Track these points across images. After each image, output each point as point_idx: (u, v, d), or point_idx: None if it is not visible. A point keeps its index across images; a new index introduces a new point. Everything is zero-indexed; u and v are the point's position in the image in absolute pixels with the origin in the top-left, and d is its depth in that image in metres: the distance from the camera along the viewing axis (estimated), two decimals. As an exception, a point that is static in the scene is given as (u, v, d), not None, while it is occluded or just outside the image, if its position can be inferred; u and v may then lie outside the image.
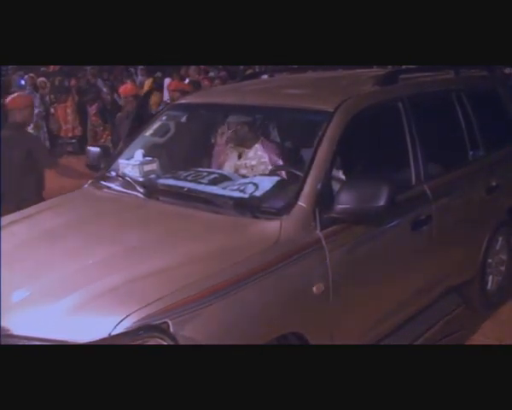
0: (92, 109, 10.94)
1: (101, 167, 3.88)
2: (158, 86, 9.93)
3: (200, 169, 3.66)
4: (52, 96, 12.01)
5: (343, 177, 3.32)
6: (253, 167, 3.86)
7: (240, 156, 3.99)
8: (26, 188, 4.76)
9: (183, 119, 4.30)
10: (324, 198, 2.99)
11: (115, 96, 10.65)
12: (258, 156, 3.89)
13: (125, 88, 7.60)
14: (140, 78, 13.49)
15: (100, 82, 13.23)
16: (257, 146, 3.92)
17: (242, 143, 3.93)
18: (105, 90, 11.97)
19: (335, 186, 3.11)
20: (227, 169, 3.89)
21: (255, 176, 3.43)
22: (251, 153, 3.93)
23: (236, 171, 3.86)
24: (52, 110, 11.64)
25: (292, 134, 4.05)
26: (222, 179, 3.44)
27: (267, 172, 3.67)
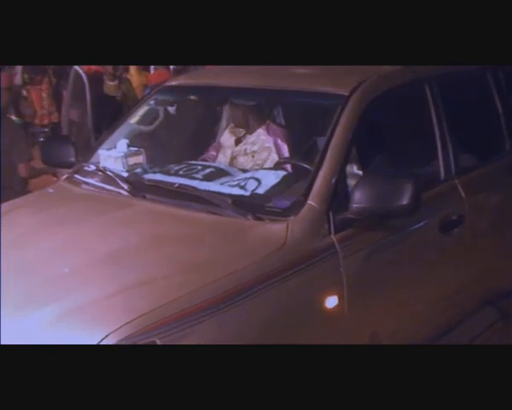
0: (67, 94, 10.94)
1: (63, 164, 3.90)
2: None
3: (194, 162, 3.67)
4: (26, 76, 11.99)
5: (360, 171, 3.32)
6: (253, 154, 3.87)
7: (238, 141, 3.98)
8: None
9: (174, 104, 4.31)
10: (338, 196, 3.00)
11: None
12: (261, 141, 3.90)
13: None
14: None
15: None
16: (260, 130, 3.93)
17: (244, 127, 3.93)
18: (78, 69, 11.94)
19: (351, 182, 3.12)
20: (222, 158, 3.88)
21: (257, 170, 3.43)
22: (252, 137, 3.93)
23: (234, 159, 3.86)
24: (24, 92, 11.62)
25: (300, 122, 4.06)
26: (219, 174, 3.45)
27: (270, 160, 3.67)
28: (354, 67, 3.74)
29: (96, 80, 7.25)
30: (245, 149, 3.93)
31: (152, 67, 10.25)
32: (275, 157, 3.82)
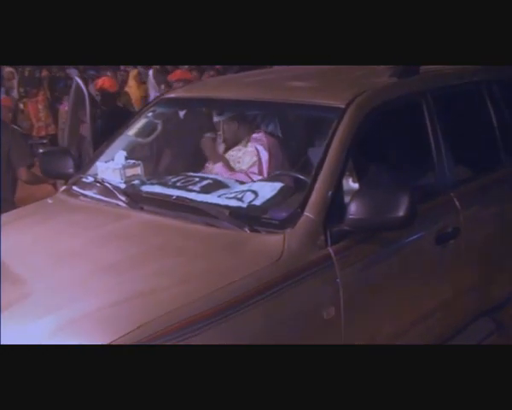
0: (63, 106, 10.94)
1: (61, 174, 3.90)
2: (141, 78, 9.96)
3: (192, 174, 3.67)
4: (21, 90, 11.99)
5: (356, 183, 3.33)
6: (239, 160, 3.86)
7: (227, 149, 4.00)
8: (5, 187, 4.91)
9: (172, 116, 4.31)
10: (335, 208, 2.99)
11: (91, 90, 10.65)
12: (247, 147, 3.91)
13: (103, 82, 7.62)
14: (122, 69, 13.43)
15: (74, 72, 13.19)
16: (248, 138, 3.94)
17: (234, 143, 3.94)
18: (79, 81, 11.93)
19: (348, 194, 3.11)
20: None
21: (254, 182, 3.43)
22: (240, 145, 3.93)
23: None
24: (21, 106, 11.63)
25: (297, 134, 4.07)
26: (216, 186, 3.45)
27: (252, 160, 3.66)
28: (351, 79, 3.77)
29: (109, 96, 7.27)
30: (232, 156, 3.93)
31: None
32: (254, 160, 3.84)
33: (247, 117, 4.01)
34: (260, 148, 3.87)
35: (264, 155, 3.83)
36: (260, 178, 3.72)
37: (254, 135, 3.94)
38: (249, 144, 3.92)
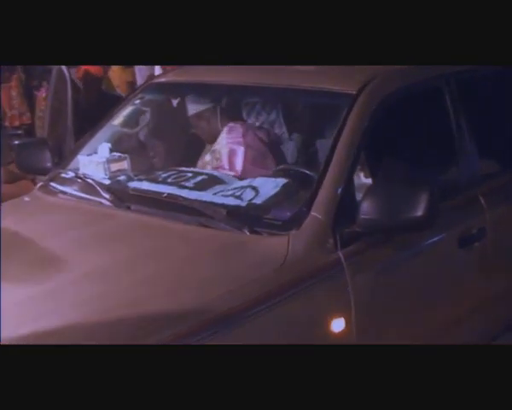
0: (41, 92, 10.90)
1: (38, 169, 3.90)
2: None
3: (184, 169, 3.67)
4: (-8, 74, 11.98)
5: (369, 179, 3.33)
6: (220, 156, 3.87)
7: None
8: None
9: (163, 103, 4.29)
10: (345, 207, 2.99)
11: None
12: (221, 140, 3.93)
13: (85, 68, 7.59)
14: None
15: None
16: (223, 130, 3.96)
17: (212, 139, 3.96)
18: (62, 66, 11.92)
19: (359, 191, 3.11)
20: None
21: (255, 178, 3.43)
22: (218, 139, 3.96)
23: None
24: (-8, 91, 11.61)
25: (303, 124, 4.05)
26: (212, 182, 3.45)
27: (227, 148, 3.69)
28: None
29: (94, 81, 7.26)
30: (214, 152, 3.93)
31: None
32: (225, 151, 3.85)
33: (220, 108, 4.02)
34: (232, 139, 3.88)
35: (239, 148, 3.83)
36: (233, 173, 3.73)
37: (228, 125, 3.94)
38: (223, 137, 3.93)
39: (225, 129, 3.89)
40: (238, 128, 3.90)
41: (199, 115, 4.05)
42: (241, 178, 3.54)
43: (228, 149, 3.80)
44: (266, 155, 3.83)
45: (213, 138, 3.93)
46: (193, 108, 4.05)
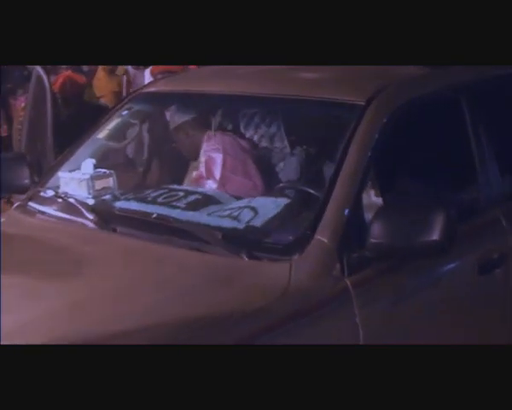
0: (19, 102, 10.88)
1: (15, 187, 3.89)
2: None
3: (176, 187, 3.67)
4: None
5: (380, 199, 3.32)
6: (198, 165, 3.91)
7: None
8: None
9: (153, 114, 4.30)
10: (353, 230, 2.98)
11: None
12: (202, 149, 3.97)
13: (66, 77, 7.59)
14: None
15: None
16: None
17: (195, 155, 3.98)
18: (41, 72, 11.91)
19: (369, 212, 3.09)
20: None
21: (254, 198, 3.42)
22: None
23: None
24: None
25: (306, 137, 4.05)
26: (206, 202, 3.44)
27: (205, 157, 3.75)
28: (372, 69, 3.75)
29: (76, 90, 7.26)
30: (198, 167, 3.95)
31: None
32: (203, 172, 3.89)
33: (201, 119, 4.06)
34: (210, 147, 3.91)
35: (217, 155, 3.86)
36: (215, 185, 3.77)
37: (207, 134, 3.95)
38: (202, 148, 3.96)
39: (204, 138, 3.91)
40: (217, 136, 3.92)
41: (178, 128, 4.05)
42: (238, 197, 3.53)
43: (206, 157, 3.84)
44: (248, 163, 3.86)
45: (195, 154, 3.94)
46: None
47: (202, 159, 3.85)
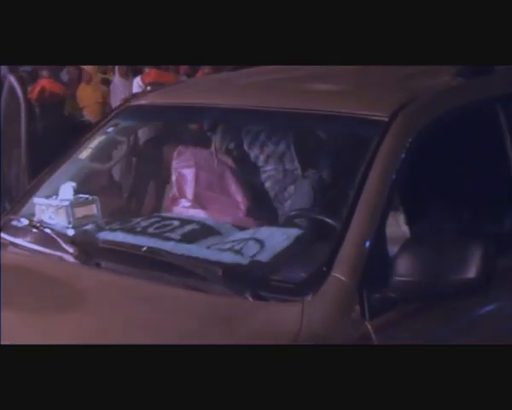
0: None
1: None
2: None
3: (169, 215, 3.70)
4: None
5: (406, 229, 3.32)
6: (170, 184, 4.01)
7: None
8: None
9: (143, 131, 4.30)
10: (376, 266, 2.98)
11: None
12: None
13: (45, 85, 7.65)
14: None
15: (4, 68, 13.16)
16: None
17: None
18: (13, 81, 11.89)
19: (394, 245, 3.09)
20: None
21: (260, 228, 3.41)
22: None
23: None
24: None
25: (320, 158, 4.05)
26: (205, 233, 3.47)
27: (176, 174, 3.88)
28: (396, 79, 3.76)
29: (53, 103, 7.31)
30: None
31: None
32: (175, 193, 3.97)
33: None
34: (181, 163, 3.98)
35: (189, 172, 3.95)
36: (188, 204, 3.82)
37: (178, 149, 4.05)
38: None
39: (174, 155, 3.98)
40: (188, 150, 4.00)
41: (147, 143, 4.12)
42: (241, 228, 3.54)
43: (176, 174, 3.93)
44: (226, 178, 3.93)
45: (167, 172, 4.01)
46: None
47: (173, 177, 3.91)
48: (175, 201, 3.92)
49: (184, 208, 3.89)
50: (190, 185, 3.89)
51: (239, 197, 3.88)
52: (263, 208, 3.88)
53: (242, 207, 3.84)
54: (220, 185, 3.89)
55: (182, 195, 3.86)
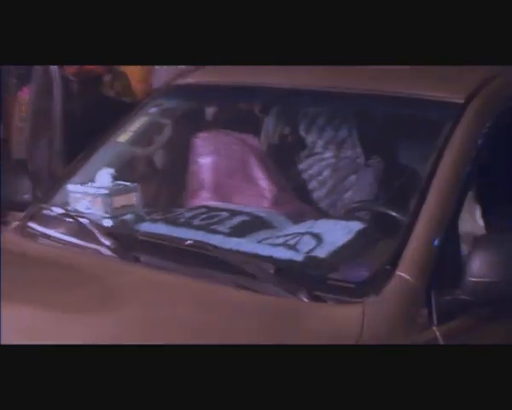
0: (24, 93, 10.85)
1: (13, 203, 3.93)
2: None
3: (218, 206, 3.71)
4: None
5: (481, 224, 3.32)
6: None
7: None
8: None
9: (190, 113, 4.33)
10: (446, 265, 2.97)
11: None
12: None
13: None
14: None
15: None
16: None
17: None
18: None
19: (467, 241, 3.07)
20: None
21: (317, 221, 3.38)
22: None
23: None
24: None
25: (386, 145, 4.03)
26: (256, 226, 3.49)
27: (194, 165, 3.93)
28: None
29: (91, 81, 7.34)
30: None
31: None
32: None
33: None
34: (198, 152, 4.04)
35: (207, 161, 4.00)
36: (208, 195, 3.86)
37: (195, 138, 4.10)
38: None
39: (193, 141, 4.06)
40: (209, 136, 4.08)
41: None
42: (296, 220, 3.55)
43: (194, 165, 3.98)
44: (252, 164, 3.95)
45: None
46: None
47: (191, 168, 3.95)
48: (194, 193, 3.95)
49: (204, 200, 3.91)
50: (208, 175, 3.94)
51: (266, 185, 3.89)
52: (336, 207, 3.87)
53: (268, 195, 3.84)
54: (243, 173, 3.93)
55: (201, 186, 3.90)
